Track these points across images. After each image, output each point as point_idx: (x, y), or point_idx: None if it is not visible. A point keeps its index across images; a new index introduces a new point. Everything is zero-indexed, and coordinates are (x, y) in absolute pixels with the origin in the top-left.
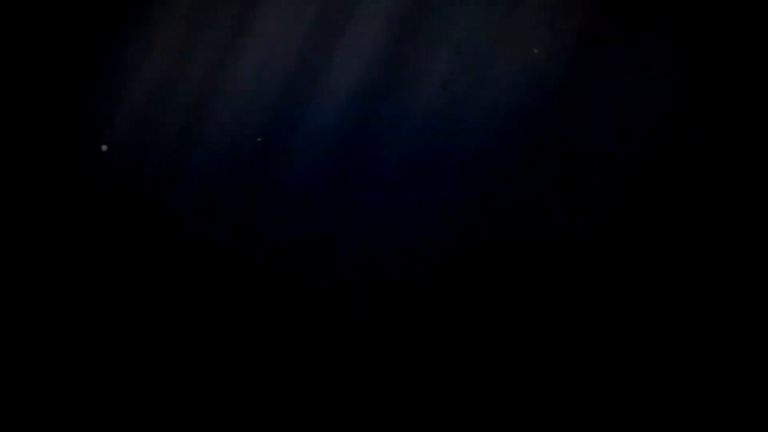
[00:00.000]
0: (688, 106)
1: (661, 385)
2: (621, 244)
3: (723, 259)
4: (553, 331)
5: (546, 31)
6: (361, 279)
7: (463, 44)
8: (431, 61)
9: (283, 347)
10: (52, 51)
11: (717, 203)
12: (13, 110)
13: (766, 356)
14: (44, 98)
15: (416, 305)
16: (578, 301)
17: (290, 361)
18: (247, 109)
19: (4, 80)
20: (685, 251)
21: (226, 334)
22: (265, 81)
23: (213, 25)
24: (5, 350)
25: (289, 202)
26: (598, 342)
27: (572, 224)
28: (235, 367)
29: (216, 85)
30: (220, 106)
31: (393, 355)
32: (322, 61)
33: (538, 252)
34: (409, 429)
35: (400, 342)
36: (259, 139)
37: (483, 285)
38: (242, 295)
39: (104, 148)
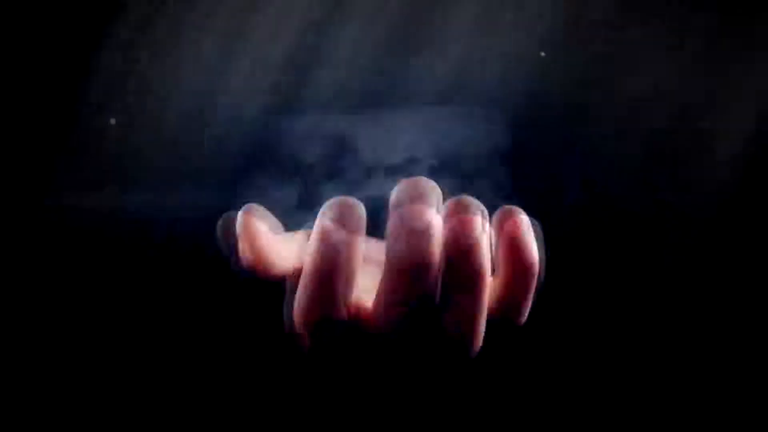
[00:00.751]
0: (691, 106)
1: (657, 386)
2: (623, 243)
3: (730, 268)
4: (553, 332)
5: (551, 32)
6: None
7: (466, 44)
8: (431, 59)
9: (282, 347)
10: (51, 48)
11: (721, 204)
12: (11, 107)
13: (766, 356)
14: (41, 96)
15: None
16: (580, 302)
17: (290, 361)
18: (248, 107)
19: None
20: (686, 251)
21: (225, 333)
22: (266, 80)
23: (215, 21)
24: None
25: (290, 202)
26: (599, 342)
27: (575, 223)
28: (234, 367)
29: (217, 83)
30: (220, 104)
31: (394, 355)
32: (321, 58)
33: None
34: (412, 428)
35: (400, 342)
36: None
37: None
38: (241, 295)
39: (113, 121)
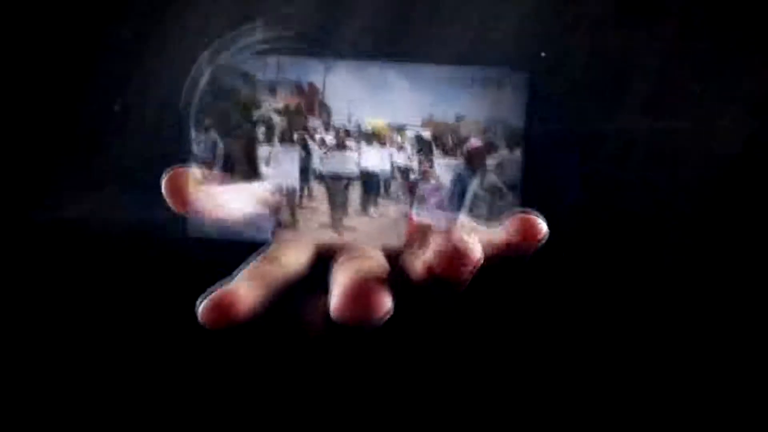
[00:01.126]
0: (692, 106)
1: (649, 390)
2: (623, 243)
3: (730, 268)
4: (553, 332)
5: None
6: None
7: (466, 45)
8: (432, 56)
9: (281, 347)
10: (50, 47)
11: (721, 204)
12: (10, 107)
13: (766, 356)
14: (40, 95)
15: (419, 304)
16: (580, 302)
17: (290, 360)
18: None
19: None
20: (686, 251)
21: (225, 333)
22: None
23: (216, 19)
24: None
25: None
26: (599, 343)
27: (575, 223)
28: (234, 367)
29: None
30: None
31: (394, 355)
32: (318, 49)
33: (540, 251)
34: (414, 427)
35: (402, 343)
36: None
37: (484, 284)
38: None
39: (116, 108)
